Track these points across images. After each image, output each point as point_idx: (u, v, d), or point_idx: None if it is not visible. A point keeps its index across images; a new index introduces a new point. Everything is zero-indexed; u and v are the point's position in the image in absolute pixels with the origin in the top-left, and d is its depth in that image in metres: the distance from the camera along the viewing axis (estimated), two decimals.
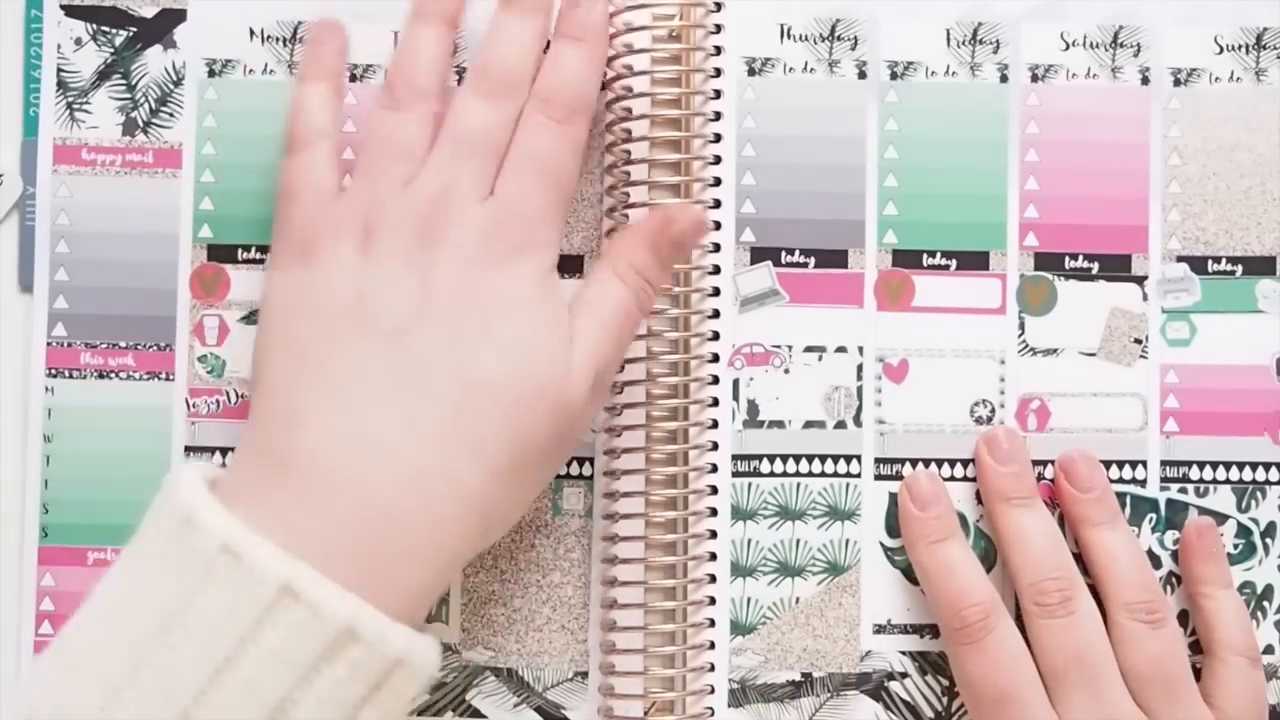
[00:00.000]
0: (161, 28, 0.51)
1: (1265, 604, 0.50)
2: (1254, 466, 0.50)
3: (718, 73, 0.50)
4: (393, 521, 0.40)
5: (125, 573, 0.40)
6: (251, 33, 0.51)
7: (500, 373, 0.43)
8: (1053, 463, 0.50)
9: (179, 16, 0.51)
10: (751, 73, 0.50)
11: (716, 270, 0.50)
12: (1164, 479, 0.50)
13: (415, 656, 0.39)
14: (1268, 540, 0.50)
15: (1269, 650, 0.50)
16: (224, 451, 0.51)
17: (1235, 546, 0.50)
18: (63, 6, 0.51)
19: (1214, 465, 0.50)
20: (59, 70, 0.51)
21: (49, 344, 0.51)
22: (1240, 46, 0.51)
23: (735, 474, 0.50)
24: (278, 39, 0.51)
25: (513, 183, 0.45)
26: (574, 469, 0.50)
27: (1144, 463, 0.50)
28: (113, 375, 0.51)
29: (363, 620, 0.38)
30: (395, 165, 0.46)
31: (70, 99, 0.51)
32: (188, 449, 0.51)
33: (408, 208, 0.44)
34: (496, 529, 0.45)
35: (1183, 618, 0.50)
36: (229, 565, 0.38)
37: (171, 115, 0.51)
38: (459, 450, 0.42)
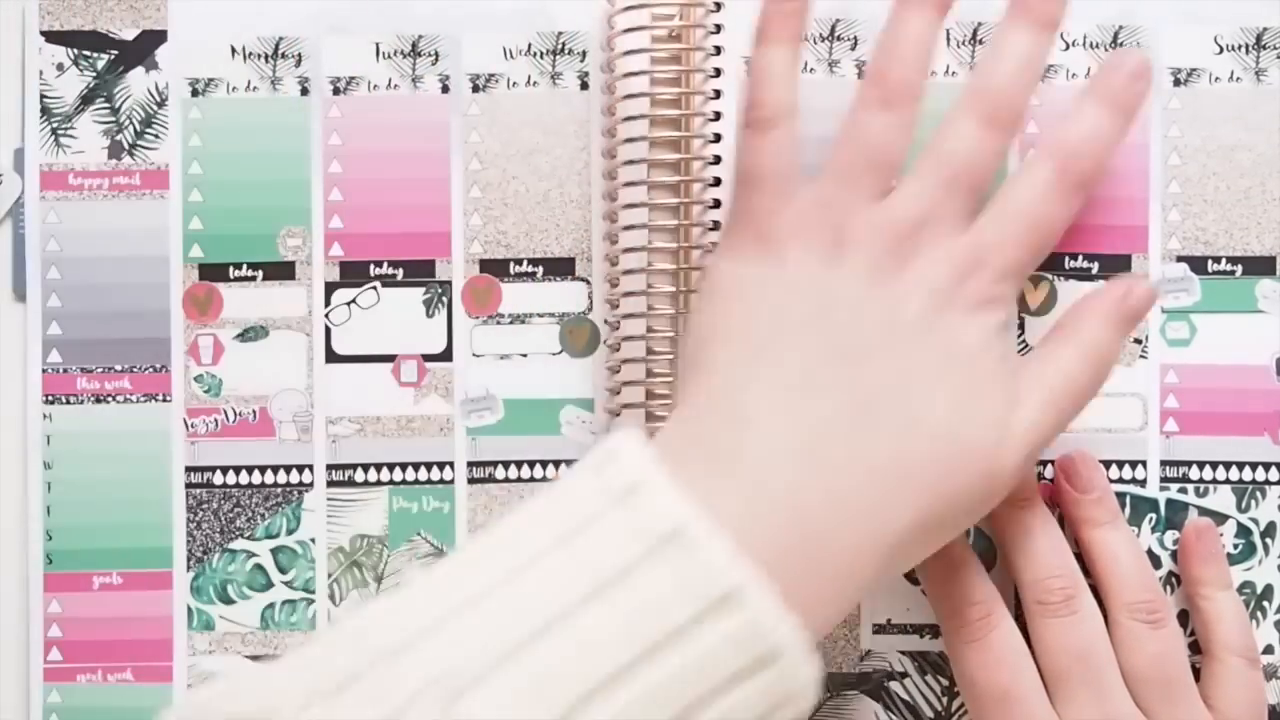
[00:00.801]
0: (142, 49, 0.50)
1: (1265, 604, 0.50)
2: (1254, 466, 0.50)
3: (718, 73, 0.49)
4: (819, 539, 0.39)
5: (531, 525, 0.38)
6: (233, 50, 0.50)
7: (945, 421, 0.41)
8: (1052, 463, 0.50)
9: (160, 37, 0.50)
10: None
11: None
12: (1164, 479, 0.50)
13: (812, 688, 0.37)
14: (1268, 540, 0.50)
15: (1269, 650, 0.50)
16: (224, 470, 0.50)
17: (1235, 546, 0.50)
18: (43, 33, 0.50)
19: (1214, 465, 0.50)
20: (42, 97, 0.50)
21: (44, 370, 0.50)
22: (1240, 46, 0.50)
23: None
24: (259, 55, 0.50)
25: (996, 231, 0.43)
26: None
27: (1144, 463, 0.50)
28: (110, 399, 0.51)
29: (793, 643, 0.36)
30: (869, 173, 0.43)
31: (54, 125, 0.50)
32: (188, 469, 0.50)
33: (883, 227, 0.42)
34: (898, 570, 0.45)
35: (1182, 618, 0.50)
36: (681, 553, 0.36)
37: (156, 136, 0.50)
38: (890, 486, 0.40)
